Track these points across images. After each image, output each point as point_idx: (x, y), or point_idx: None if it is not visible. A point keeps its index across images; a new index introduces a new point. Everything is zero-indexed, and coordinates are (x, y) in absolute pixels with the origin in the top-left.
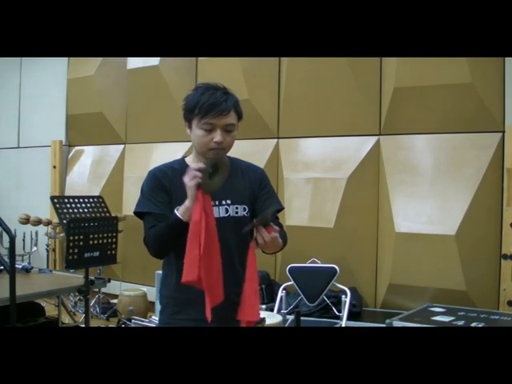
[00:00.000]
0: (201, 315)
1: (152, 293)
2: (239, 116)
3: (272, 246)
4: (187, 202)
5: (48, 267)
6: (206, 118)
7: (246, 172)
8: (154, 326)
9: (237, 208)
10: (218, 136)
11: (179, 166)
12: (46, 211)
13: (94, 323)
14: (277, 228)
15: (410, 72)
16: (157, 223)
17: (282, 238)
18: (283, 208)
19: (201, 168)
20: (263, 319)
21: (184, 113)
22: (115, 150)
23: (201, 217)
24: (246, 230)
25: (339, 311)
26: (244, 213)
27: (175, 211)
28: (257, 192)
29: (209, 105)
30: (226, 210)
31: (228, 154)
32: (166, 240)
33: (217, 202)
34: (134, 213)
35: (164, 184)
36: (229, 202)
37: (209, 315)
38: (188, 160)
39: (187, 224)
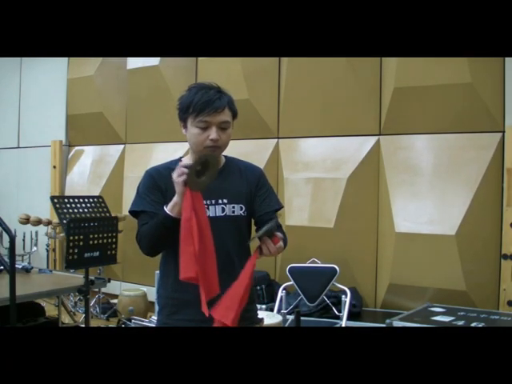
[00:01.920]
0: (199, 315)
1: (152, 293)
2: (234, 114)
3: (276, 254)
4: (175, 198)
5: (48, 267)
6: (200, 116)
7: (245, 172)
8: (153, 326)
9: (233, 207)
10: (213, 133)
11: (176, 166)
12: (46, 211)
13: (93, 323)
14: (281, 236)
15: (410, 72)
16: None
17: (283, 240)
18: (282, 207)
19: (188, 165)
20: (262, 319)
21: (178, 113)
22: (115, 150)
23: (191, 214)
24: (249, 244)
25: (339, 311)
26: (241, 212)
27: (164, 207)
28: (254, 192)
29: (203, 103)
30: (223, 209)
31: (228, 154)
32: (156, 236)
33: (213, 201)
34: (129, 212)
35: (159, 184)
36: (225, 201)
37: (205, 309)
38: (185, 160)
39: (175, 220)
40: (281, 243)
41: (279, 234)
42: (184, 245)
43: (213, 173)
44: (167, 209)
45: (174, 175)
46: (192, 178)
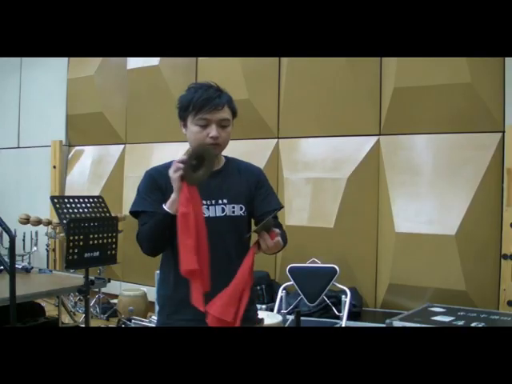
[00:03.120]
0: (199, 315)
1: (152, 293)
2: (233, 113)
3: (274, 250)
4: (173, 195)
5: (48, 267)
6: (200, 114)
7: (244, 172)
8: (153, 326)
9: (233, 207)
10: (213, 131)
11: None
12: (46, 211)
13: (93, 323)
14: (278, 231)
15: (410, 72)
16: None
17: (282, 237)
18: (282, 207)
19: (183, 159)
20: (262, 319)
21: (178, 111)
22: (115, 150)
23: (188, 208)
24: (247, 237)
25: (339, 311)
26: (241, 212)
27: (162, 205)
28: (254, 191)
29: (202, 100)
30: (223, 210)
31: (228, 154)
32: (156, 235)
33: (213, 202)
34: (130, 212)
35: (160, 184)
36: (225, 201)
37: (201, 305)
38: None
39: (175, 217)
40: (278, 238)
41: (277, 230)
42: (182, 238)
43: (209, 166)
44: (166, 206)
45: (170, 171)
46: (188, 172)
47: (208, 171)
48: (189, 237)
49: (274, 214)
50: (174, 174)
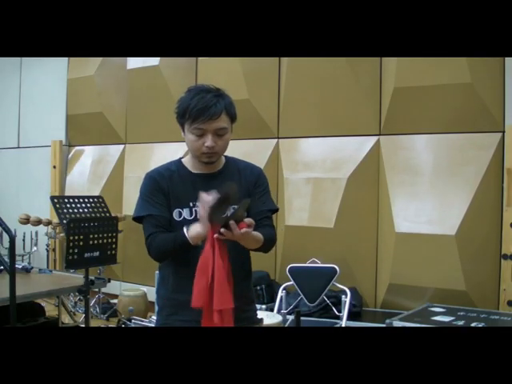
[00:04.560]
0: (198, 316)
1: (152, 293)
2: (232, 118)
3: (245, 242)
4: (200, 230)
5: (48, 267)
6: (195, 124)
7: (243, 172)
8: (153, 326)
9: (233, 208)
10: (208, 141)
11: (176, 168)
12: (46, 211)
13: (93, 323)
14: (251, 222)
15: (410, 72)
16: (157, 225)
17: (268, 236)
18: (277, 209)
19: (212, 204)
20: (261, 319)
21: (176, 117)
22: (115, 150)
23: (211, 248)
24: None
25: (339, 311)
26: None
27: (184, 231)
28: (252, 190)
29: (197, 110)
30: None
31: (228, 154)
32: (169, 252)
33: None
34: (134, 218)
35: (162, 186)
36: None
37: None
38: (184, 161)
39: (192, 246)
40: (247, 230)
41: (248, 220)
42: (199, 275)
43: (232, 202)
44: (188, 235)
45: (201, 211)
46: (215, 214)
47: (228, 207)
48: (205, 275)
49: (245, 206)
50: (203, 213)
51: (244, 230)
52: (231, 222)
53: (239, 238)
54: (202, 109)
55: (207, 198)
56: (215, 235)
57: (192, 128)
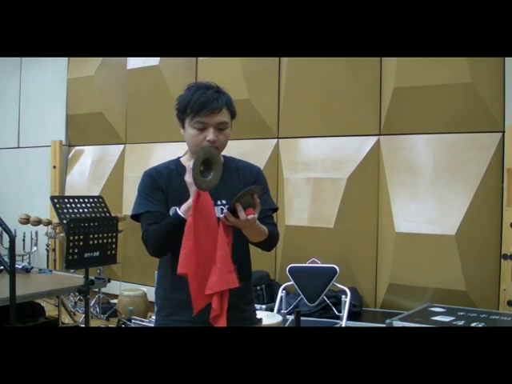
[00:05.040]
0: (197, 317)
1: (152, 293)
2: (232, 114)
3: (249, 231)
4: (189, 200)
5: (48, 267)
6: (197, 117)
7: (242, 171)
8: (153, 326)
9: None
10: (210, 134)
11: (174, 166)
12: (46, 211)
13: (93, 323)
14: (254, 215)
15: (410, 72)
16: (154, 221)
17: (272, 233)
18: (277, 208)
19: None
20: (260, 319)
21: (177, 113)
22: (115, 150)
23: (193, 216)
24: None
25: (339, 311)
26: None
27: (176, 210)
28: None
29: (200, 103)
30: (222, 210)
31: (228, 154)
32: (166, 238)
33: (212, 203)
34: (133, 216)
35: (160, 183)
36: (224, 201)
37: (196, 308)
38: (183, 160)
39: (185, 220)
40: (253, 216)
41: (255, 210)
42: (184, 240)
43: (218, 168)
44: (181, 211)
45: (186, 176)
46: (198, 178)
47: (218, 174)
48: (189, 239)
49: (251, 192)
50: (189, 179)
51: (251, 216)
52: (237, 204)
53: (244, 225)
54: (204, 102)
55: (190, 163)
56: (221, 216)
57: (193, 122)
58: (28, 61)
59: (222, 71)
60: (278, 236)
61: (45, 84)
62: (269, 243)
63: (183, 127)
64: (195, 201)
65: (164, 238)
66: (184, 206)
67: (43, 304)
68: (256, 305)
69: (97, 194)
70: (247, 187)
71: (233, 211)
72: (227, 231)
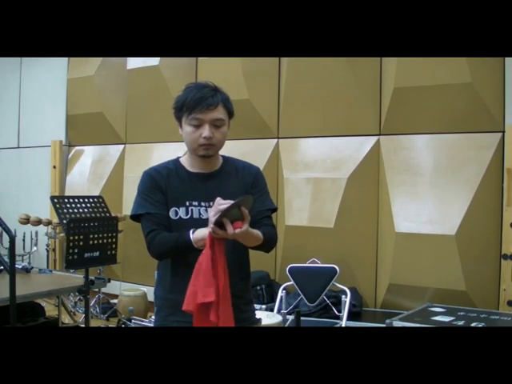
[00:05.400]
0: None
1: (152, 293)
2: (229, 113)
3: (243, 240)
4: (206, 232)
5: (48, 267)
6: (193, 114)
7: (241, 171)
8: (153, 326)
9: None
10: (206, 131)
11: (174, 166)
12: (46, 211)
13: (93, 323)
14: (244, 224)
15: (410, 72)
16: (156, 224)
17: (269, 235)
18: (276, 208)
19: (225, 210)
20: (259, 320)
21: (174, 112)
22: (115, 150)
23: (205, 256)
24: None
25: (339, 311)
26: None
27: (190, 233)
28: (250, 190)
29: (195, 100)
30: None
31: (227, 154)
32: (171, 252)
33: (211, 203)
34: (132, 216)
35: (159, 184)
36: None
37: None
38: (182, 160)
39: (195, 249)
40: (241, 230)
41: (245, 221)
42: (193, 277)
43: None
44: (193, 237)
45: (211, 213)
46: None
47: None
48: (197, 279)
49: (239, 205)
50: (212, 218)
51: (238, 230)
52: (224, 219)
53: (233, 238)
54: (200, 98)
55: (222, 203)
56: (209, 230)
57: (189, 119)
58: (28, 61)
59: (222, 71)
60: (275, 237)
61: (45, 84)
62: (266, 246)
63: (181, 126)
64: (210, 244)
65: (169, 251)
66: (198, 235)
67: (43, 304)
68: (256, 305)
69: (97, 193)
70: (237, 198)
71: (220, 225)
72: (219, 240)
